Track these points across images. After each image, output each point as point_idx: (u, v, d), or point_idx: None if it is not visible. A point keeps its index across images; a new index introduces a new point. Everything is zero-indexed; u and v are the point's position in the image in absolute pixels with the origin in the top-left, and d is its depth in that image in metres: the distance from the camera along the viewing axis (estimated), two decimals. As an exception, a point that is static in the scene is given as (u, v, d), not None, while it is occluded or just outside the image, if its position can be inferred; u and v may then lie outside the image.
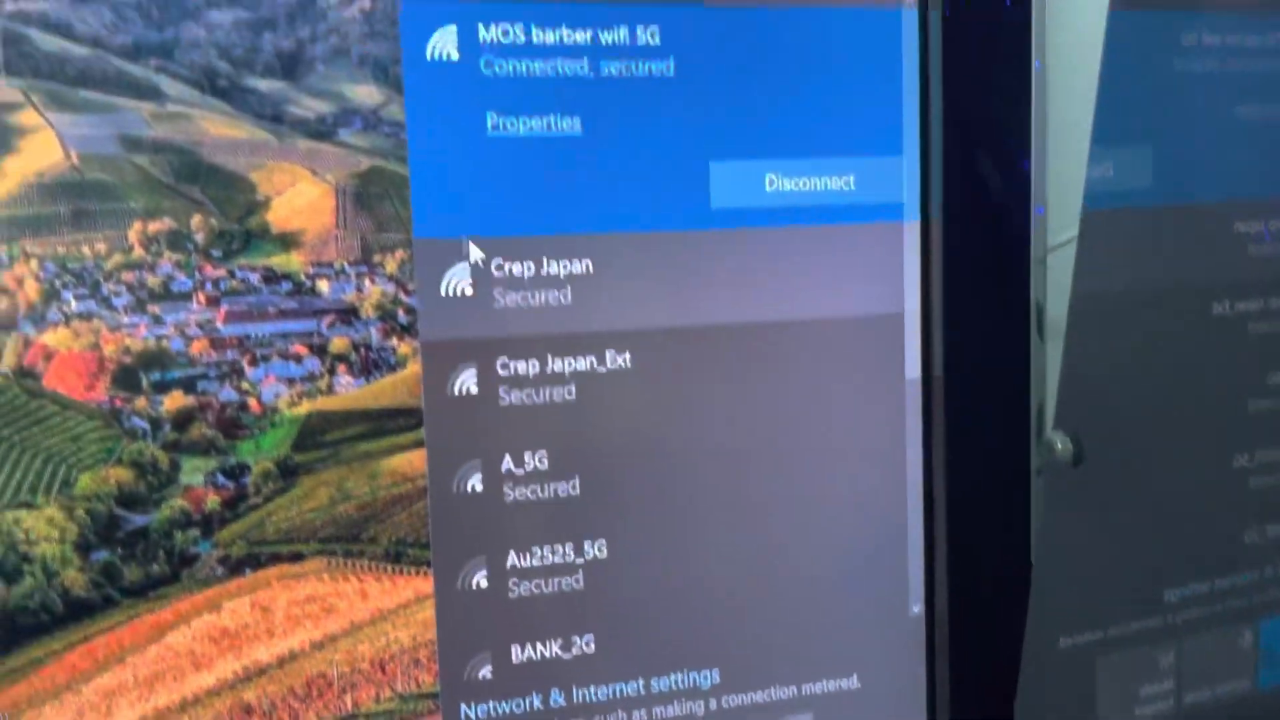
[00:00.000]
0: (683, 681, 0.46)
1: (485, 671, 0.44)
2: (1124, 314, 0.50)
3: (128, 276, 0.39)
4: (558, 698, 0.45)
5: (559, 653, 0.45)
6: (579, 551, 0.45)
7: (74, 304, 0.39)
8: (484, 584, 0.44)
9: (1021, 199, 0.49)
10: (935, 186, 0.47)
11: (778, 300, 0.46)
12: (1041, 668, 0.51)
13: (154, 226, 0.39)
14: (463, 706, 0.44)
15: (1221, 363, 0.54)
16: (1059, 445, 0.44)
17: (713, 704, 0.47)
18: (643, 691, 0.46)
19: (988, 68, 0.47)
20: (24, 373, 0.39)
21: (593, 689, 0.45)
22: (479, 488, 0.43)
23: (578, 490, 0.45)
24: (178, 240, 0.40)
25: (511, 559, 0.44)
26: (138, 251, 0.39)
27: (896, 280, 0.48)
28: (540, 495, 0.44)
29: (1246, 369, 0.55)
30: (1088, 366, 0.47)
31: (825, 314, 0.47)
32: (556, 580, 0.45)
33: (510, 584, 0.44)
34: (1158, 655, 0.55)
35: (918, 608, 0.50)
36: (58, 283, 0.39)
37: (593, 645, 0.45)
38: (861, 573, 0.48)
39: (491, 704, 0.44)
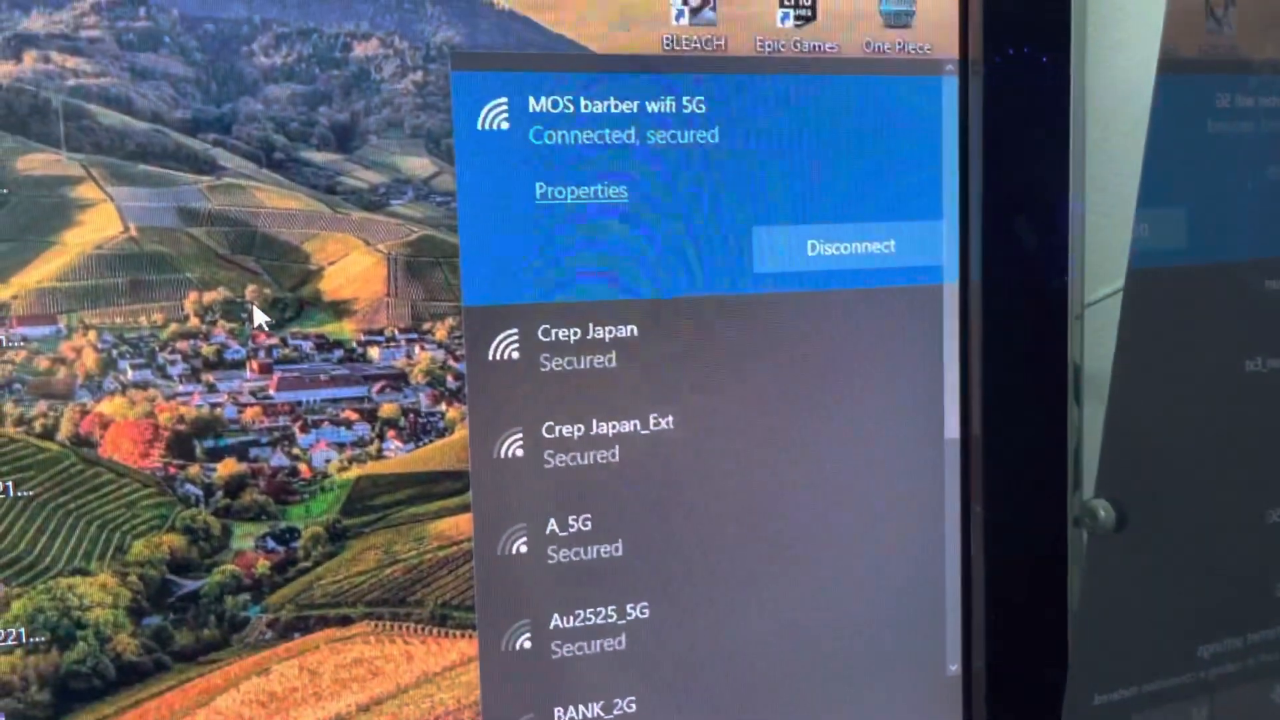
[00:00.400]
0: (723, 742, 0.47)
1: (529, 733, 0.44)
2: (1165, 373, 0.50)
3: (183, 345, 0.40)
4: (600, 759, 0.45)
5: (601, 714, 0.45)
6: (621, 613, 0.45)
7: (130, 373, 0.39)
8: (528, 645, 0.44)
9: (1059, 259, 0.49)
10: (975, 249, 0.48)
11: (819, 362, 0.46)
12: (1078, 725, 0.51)
13: (209, 296, 0.40)
14: (506, 768, 0.44)
15: (1255, 419, 0.54)
16: (1101, 513, 0.44)
17: (752, 764, 0.47)
18: (683, 752, 0.46)
19: (1026, 133, 0.48)
20: (80, 441, 0.39)
21: (634, 750, 0.46)
22: (524, 550, 0.44)
23: (620, 552, 0.45)
24: (232, 310, 0.40)
25: (555, 620, 0.44)
26: (193, 321, 0.40)
27: (936, 341, 0.48)
28: (583, 557, 0.44)
29: (1278, 425, 0.55)
30: (1129, 433, 0.47)
31: (865, 375, 0.47)
32: (599, 641, 0.45)
33: (553, 645, 0.44)
34: (1191, 710, 0.55)
35: (955, 667, 0.50)
36: (114, 352, 0.39)
37: (634, 706, 0.46)
38: (900, 632, 0.49)
39: (534, 765, 0.44)
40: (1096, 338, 0.53)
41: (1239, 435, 0.54)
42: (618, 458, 0.45)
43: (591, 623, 0.45)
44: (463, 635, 0.43)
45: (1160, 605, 0.52)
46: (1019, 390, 0.49)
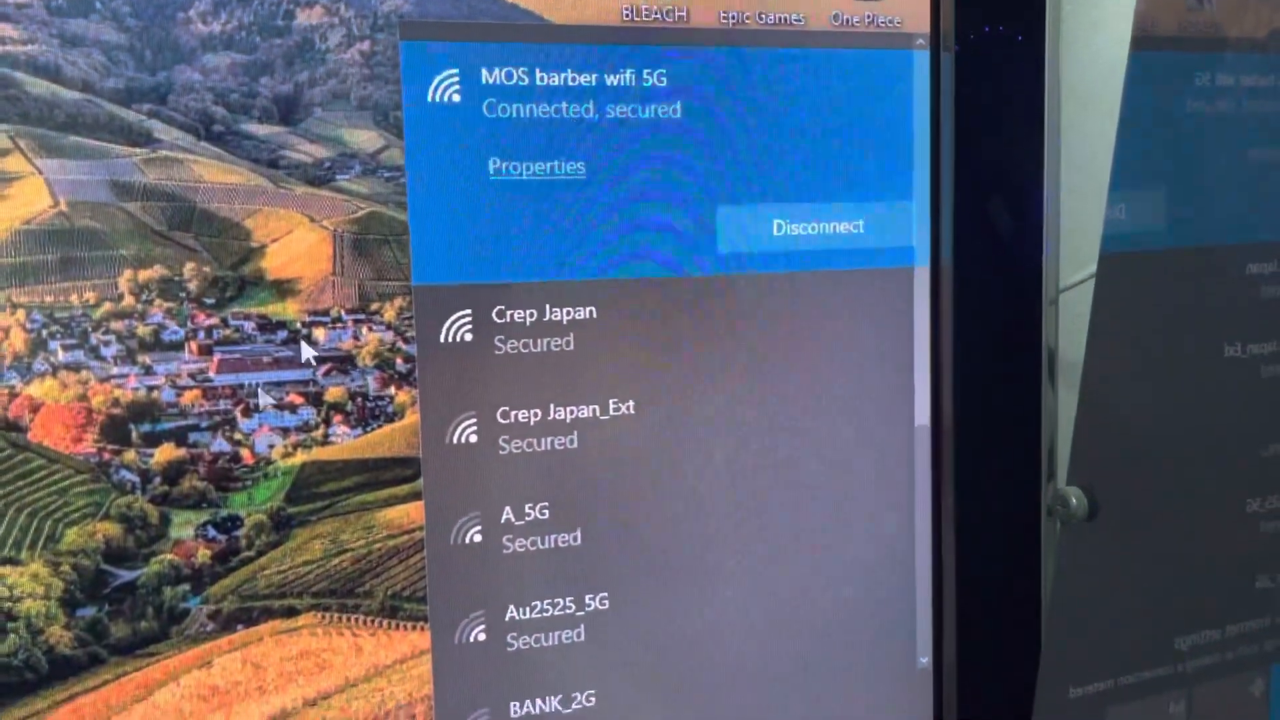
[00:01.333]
0: (685, 737, 0.45)
1: (483, 728, 0.43)
2: (1140, 359, 0.49)
3: (117, 325, 0.38)
4: (557, 754, 0.44)
5: (559, 708, 0.44)
6: (580, 604, 0.44)
7: (61, 354, 0.38)
8: (482, 638, 0.43)
9: (1033, 242, 0.48)
10: (946, 231, 0.46)
11: (784, 346, 0.45)
12: (1052, 719, 0.50)
13: (145, 274, 0.38)
14: (459, 764, 0.43)
15: (1234, 407, 0.53)
16: (1074, 501, 0.43)
17: (716, 759, 0.46)
18: (644, 747, 0.45)
19: (999, 110, 0.47)
20: (9, 425, 0.37)
21: (593, 745, 0.44)
22: (478, 539, 0.42)
23: (579, 541, 0.43)
24: (169, 288, 0.38)
25: (511, 612, 0.43)
26: (128, 300, 0.38)
27: (906, 325, 0.47)
28: (540, 546, 0.43)
29: (1258, 413, 0.54)
30: (1102, 420, 0.46)
31: (833, 360, 0.46)
32: (557, 633, 0.43)
33: (509, 637, 0.43)
34: (1168, 704, 0.54)
35: (925, 660, 0.48)
36: (45, 333, 0.37)
37: (594, 700, 0.44)
38: (869, 625, 0.47)
39: (489, 761, 0.43)
40: (1073, 324, 0.52)
41: (1216, 423, 0.53)
42: (576, 444, 0.43)
43: (549, 614, 0.43)
44: (414, 627, 0.42)
45: (1135, 596, 0.51)
46: (991, 377, 0.48)
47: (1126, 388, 0.48)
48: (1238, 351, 0.53)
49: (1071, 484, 0.44)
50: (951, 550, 0.47)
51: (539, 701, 0.44)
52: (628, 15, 0.42)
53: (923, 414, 0.47)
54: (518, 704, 0.43)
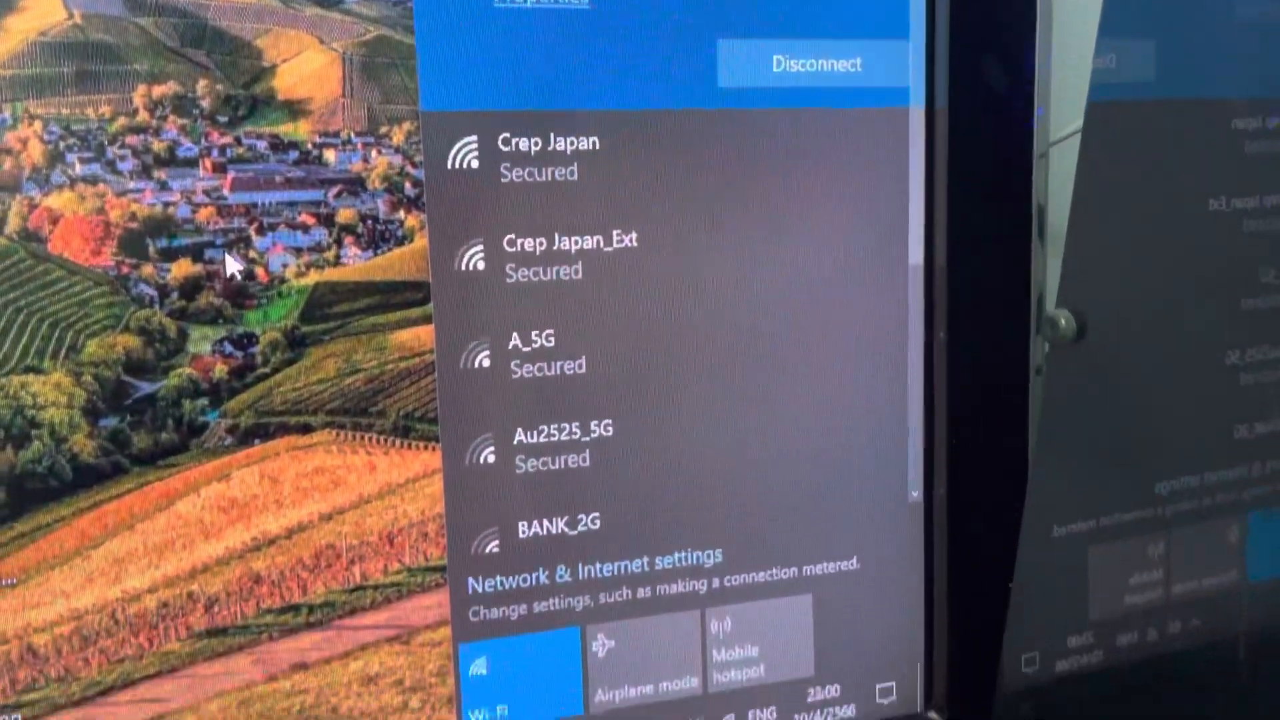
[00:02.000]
0: (686, 560, 0.47)
1: (493, 546, 0.44)
2: (1125, 203, 0.50)
3: (132, 140, 0.39)
4: (563, 574, 0.46)
5: (565, 529, 0.45)
6: (585, 430, 0.45)
7: (78, 167, 0.38)
8: (491, 459, 0.44)
9: (1026, 89, 0.49)
10: (941, 72, 0.47)
11: (784, 183, 0.46)
12: (1036, 556, 0.52)
13: (159, 90, 0.39)
14: (470, 580, 0.44)
15: (1216, 259, 0.55)
16: (1062, 322, 0.44)
17: (715, 583, 0.48)
18: (647, 569, 0.47)
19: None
20: (29, 235, 0.38)
21: (598, 566, 0.46)
22: (486, 364, 0.44)
23: (584, 369, 0.45)
24: (183, 105, 0.39)
25: (519, 436, 0.44)
26: (142, 115, 0.39)
27: (901, 165, 0.48)
28: (546, 373, 0.44)
29: (1240, 266, 0.55)
30: (1090, 250, 0.47)
31: (830, 197, 0.47)
32: (563, 458, 0.45)
33: (517, 460, 0.44)
34: (1148, 546, 0.56)
35: (916, 494, 0.50)
36: (62, 145, 0.38)
37: (599, 523, 0.46)
38: (862, 458, 0.49)
39: (498, 579, 0.45)
40: (1065, 177, 0.53)
41: (1200, 275, 0.54)
42: (580, 274, 0.44)
43: (555, 439, 0.45)
44: (426, 447, 0.43)
45: (1118, 435, 0.53)
46: (983, 220, 0.49)
47: (1114, 229, 0.49)
48: (1221, 205, 0.55)
49: (1060, 307, 0.45)
50: (943, 388, 0.49)
51: (545, 523, 0.45)
52: None
53: (916, 254, 0.49)
54: (525, 525, 0.45)
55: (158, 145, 0.39)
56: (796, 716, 0.50)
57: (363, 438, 0.43)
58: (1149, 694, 0.57)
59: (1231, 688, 0.59)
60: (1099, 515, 0.54)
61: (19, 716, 0.40)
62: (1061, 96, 0.53)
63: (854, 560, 0.50)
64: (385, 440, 0.43)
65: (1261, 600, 0.58)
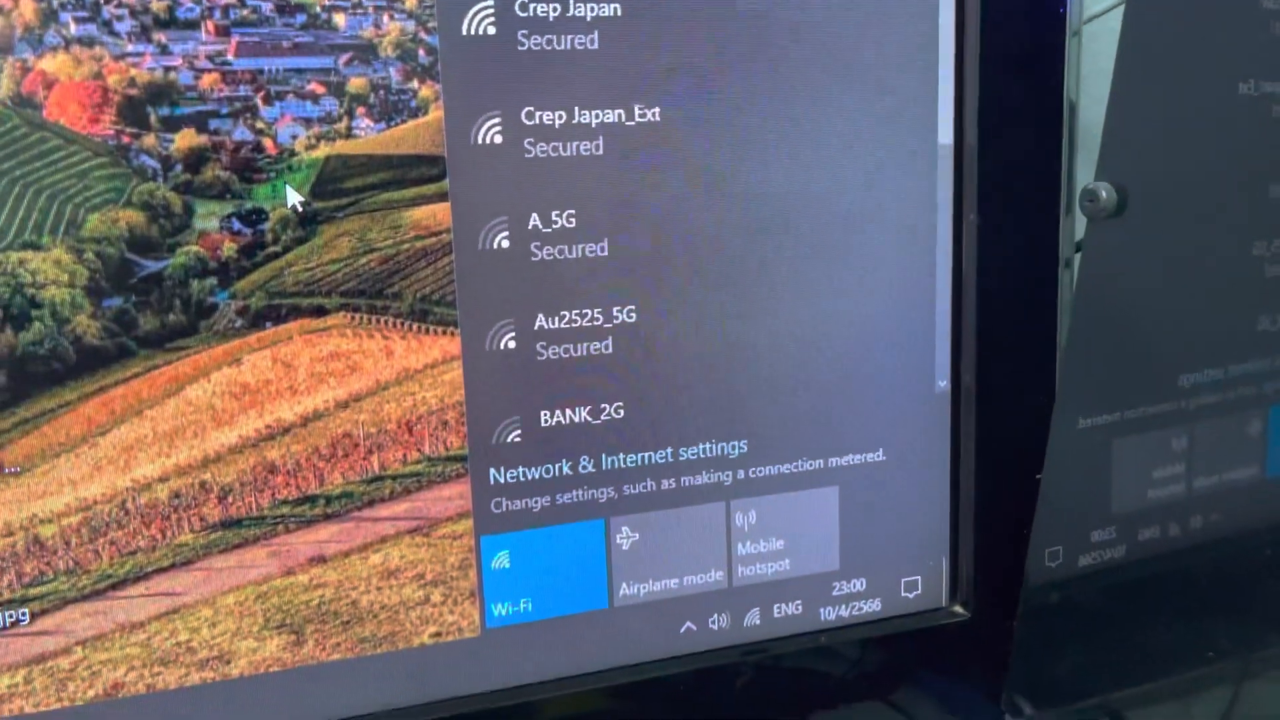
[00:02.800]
0: (711, 451, 0.46)
1: (514, 435, 0.43)
2: (1166, 79, 0.48)
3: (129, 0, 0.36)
4: (586, 464, 0.44)
5: (588, 419, 0.44)
6: (608, 316, 0.43)
7: (73, 27, 0.36)
8: (512, 345, 0.42)
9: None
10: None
11: (811, 55, 0.44)
12: (1063, 448, 0.51)
13: (156, -55, 0.36)
14: (491, 471, 0.43)
15: (1245, 146, 0.53)
16: (1103, 194, 0.43)
17: (740, 474, 0.46)
18: (671, 460, 0.45)
19: None
20: (23, 101, 0.36)
21: (621, 456, 0.45)
22: (505, 245, 0.42)
23: (605, 252, 0.43)
24: (182, -39, 0.37)
25: (540, 321, 0.43)
26: (140, -28, 0.36)
27: (931, 42, 0.46)
28: (567, 255, 0.43)
29: (1268, 153, 0.54)
30: (1132, 122, 0.46)
31: (860, 73, 0.45)
32: (585, 344, 0.43)
33: (539, 347, 0.43)
34: (1170, 440, 0.55)
35: (944, 383, 0.49)
36: (55, 2, 0.36)
37: (622, 412, 0.44)
38: (889, 349, 0.48)
39: (521, 469, 0.43)
40: (1096, 58, 0.51)
41: (1230, 162, 0.53)
42: (601, 150, 0.42)
43: (577, 325, 0.43)
44: (444, 332, 0.42)
45: (1147, 325, 0.52)
46: (1014, 98, 0.47)
47: (1154, 104, 0.48)
48: (1250, 89, 0.53)
49: (1101, 179, 0.44)
50: (973, 272, 0.48)
51: (569, 411, 0.44)
52: None
53: (945, 134, 0.47)
54: (547, 413, 0.43)
55: (156, 5, 0.37)
56: (822, 610, 0.49)
57: (379, 321, 0.41)
58: (1170, 588, 0.56)
59: (1251, 582, 0.59)
60: (1124, 408, 0.53)
61: (26, 611, 0.38)
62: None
63: (880, 452, 0.48)
64: (402, 324, 0.41)
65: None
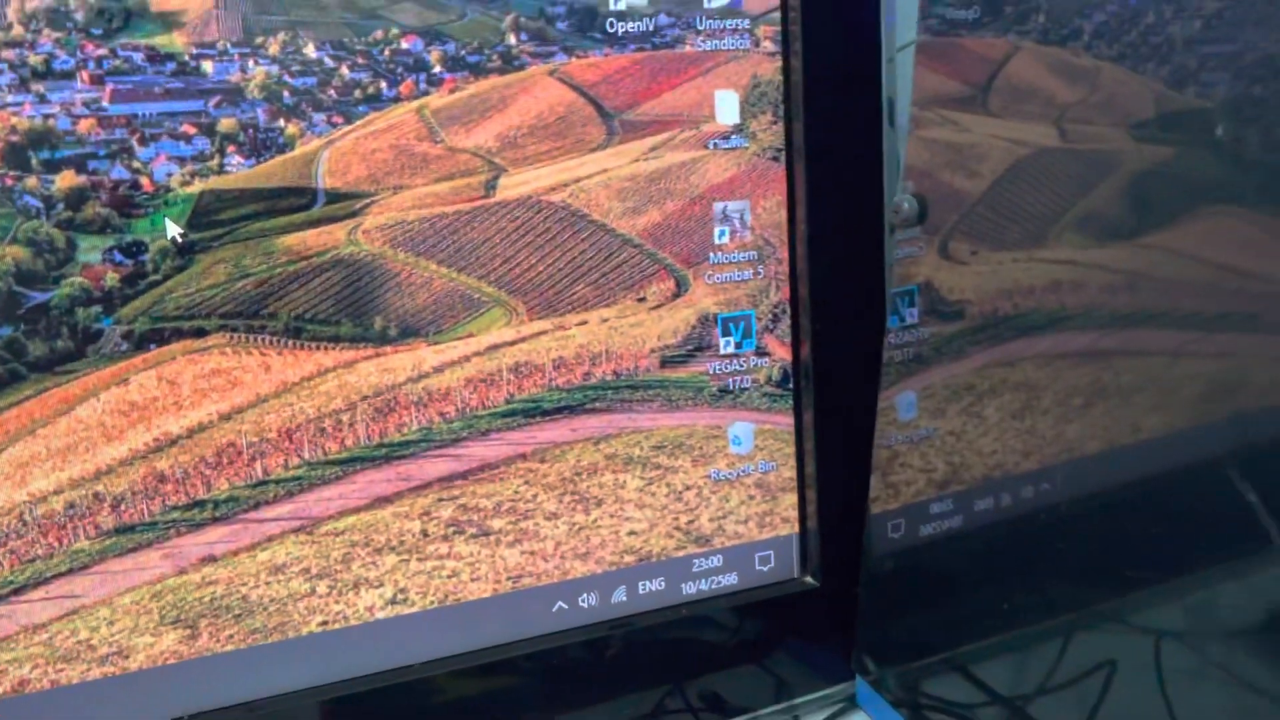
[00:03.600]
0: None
1: (388, 438, 0.47)
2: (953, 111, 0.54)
3: (8, 54, 0.40)
4: (458, 462, 0.48)
5: (457, 421, 0.48)
6: (471, 326, 0.48)
7: (-45, 81, 0.39)
8: (382, 357, 0.46)
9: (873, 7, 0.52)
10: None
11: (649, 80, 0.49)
12: (894, 429, 0.57)
13: (31, 3, 0.40)
14: (369, 472, 0.47)
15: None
16: (906, 205, 0.48)
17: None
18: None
19: None
20: (-91, 150, 0.39)
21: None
22: (372, 266, 0.46)
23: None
24: (57, 18, 0.40)
25: (407, 333, 0.47)
26: (17, 30, 0.40)
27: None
28: (432, 273, 0.47)
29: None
30: (925, 146, 0.51)
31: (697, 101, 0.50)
32: (451, 353, 0.48)
33: (407, 357, 0.47)
34: (1000, 419, 0.61)
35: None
36: (-64, 59, 0.39)
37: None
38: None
39: (396, 469, 0.47)
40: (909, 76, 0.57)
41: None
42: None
43: (443, 336, 0.47)
44: (318, 347, 0.46)
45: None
46: (840, 112, 0.53)
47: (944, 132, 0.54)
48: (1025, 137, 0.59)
49: (903, 194, 0.49)
50: (804, 255, 0.53)
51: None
52: None
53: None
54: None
55: (34, 59, 0.40)
56: (684, 585, 0.54)
57: (256, 339, 0.45)
58: (1005, 552, 0.63)
59: (1079, 543, 0.65)
60: (951, 390, 0.59)
61: (-67, 619, 0.42)
62: (905, 6, 0.57)
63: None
64: (278, 341, 0.45)
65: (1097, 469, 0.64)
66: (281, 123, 0.44)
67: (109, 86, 0.41)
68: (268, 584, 0.46)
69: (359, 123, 0.45)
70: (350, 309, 0.46)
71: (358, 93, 0.45)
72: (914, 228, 0.50)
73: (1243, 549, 0.68)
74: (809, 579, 0.57)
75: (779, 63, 0.52)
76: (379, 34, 0.45)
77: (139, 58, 0.41)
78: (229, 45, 0.43)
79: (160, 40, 0.42)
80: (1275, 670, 0.62)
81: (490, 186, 0.47)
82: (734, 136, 0.51)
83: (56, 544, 0.43)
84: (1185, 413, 0.68)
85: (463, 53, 0.46)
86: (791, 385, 0.55)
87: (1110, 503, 0.66)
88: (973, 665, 0.62)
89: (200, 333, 0.44)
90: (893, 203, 0.49)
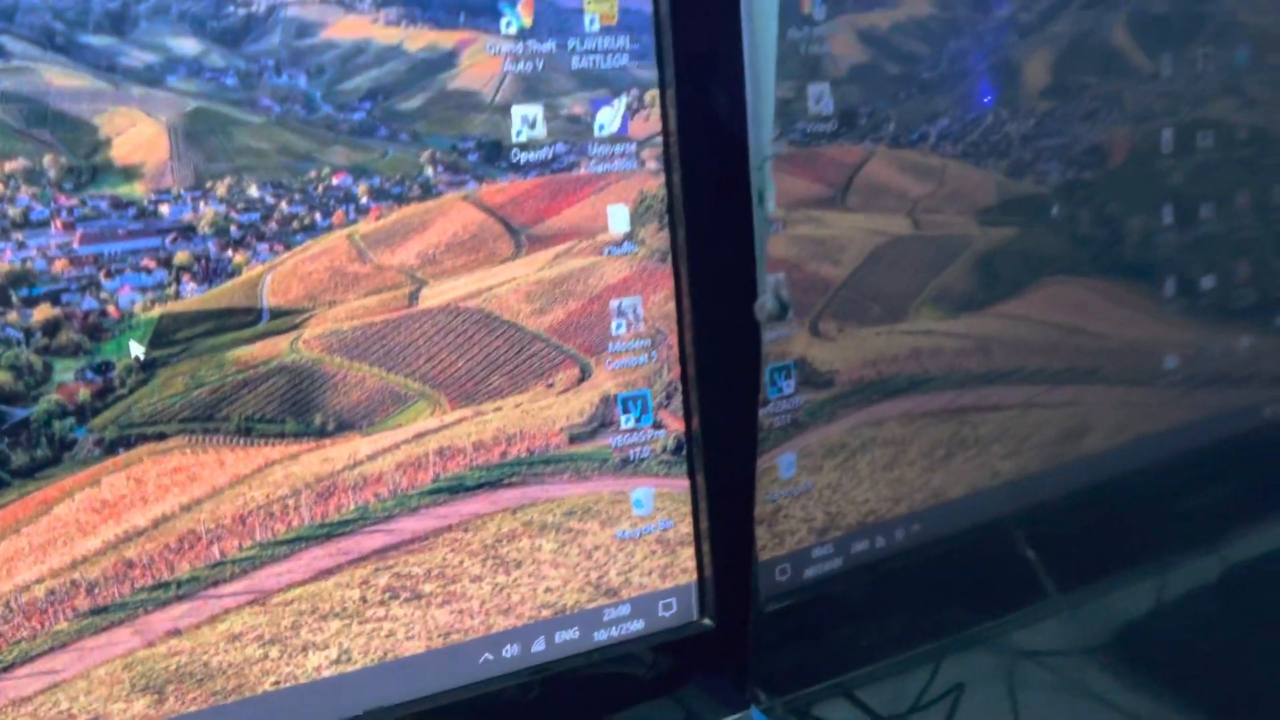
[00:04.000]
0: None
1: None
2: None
3: (-9, 209, 0.46)
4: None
5: (390, 500, 0.55)
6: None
7: (-55, 234, 0.46)
8: (323, 448, 0.54)
9: (740, 120, 0.61)
10: (672, 117, 0.59)
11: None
12: (771, 485, 0.65)
13: (10, 166, 0.47)
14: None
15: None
16: (769, 304, 0.57)
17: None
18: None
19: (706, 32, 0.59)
20: (-94, 295, 0.45)
21: (420, 527, 0.56)
22: (312, 370, 0.53)
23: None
24: (33, 176, 0.47)
25: (344, 427, 0.54)
26: (-2, 187, 0.47)
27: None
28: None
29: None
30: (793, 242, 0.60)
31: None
32: (383, 442, 0.55)
33: (345, 447, 0.54)
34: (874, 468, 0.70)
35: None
36: (-71, 217, 0.45)
37: (418, 492, 0.56)
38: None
39: (337, 545, 0.54)
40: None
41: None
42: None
43: (376, 427, 0.55)
44: (266, 443, 0.53)
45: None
46: (716, 216, 0.61)
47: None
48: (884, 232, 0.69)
49: (764, 295, 0.58)
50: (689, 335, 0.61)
51: (374, 496, 0.55)
52: None
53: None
54: (357, 499, 0.55)
55: (13, 211, 0.47)
56: (596, 633, 0.62)
57: (212, 439, 0.52)
58: (882, 588, 0.71)
59: (948, 576, 0.74)
60: (826, 449, 0.68)
61: (-70, 698, 0.48)
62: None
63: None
64: (231, 440, 0.52)
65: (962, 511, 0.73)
66: (229, 253, 0.51)
67: (79, 231, 0.48)
68: (226, 651, 0.53)
69: (297, 249, 0.52)
70: (293, 409, 0.53)
71: (295, 224, 0.52)
72: (777, 322, 0.59)
73: (1088, 576, 0.78)
74: (707, 621, 0.65)
75: (662, 179, 0.60)
76: (313, 173, 0.52)
77: (105, 205, 0.48)
78: (183, 190, 0.50)
79: (123, 190, 0.49)
80: (1118, 683, 0.72)
81: (414, 297, 0.55)
82: (626, 243, 0.60)
83: (39, 626, 0.49)
84: (1038, 457, 0.78)
85: (387, 185, 0.53)
86: (685, 453, 0.63)
87: (975, 539, 0.75)
88: (856, 689, 0.71)
89: (162, 436, 0.51)
90: (756, 304, 0.57)
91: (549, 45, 0.56)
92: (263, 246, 0.51)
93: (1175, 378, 0.83)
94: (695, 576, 0.64)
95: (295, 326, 0.53)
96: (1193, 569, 0.80)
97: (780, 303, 0.57)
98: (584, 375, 0.59)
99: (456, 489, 0.57)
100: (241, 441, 0.52)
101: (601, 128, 0.58)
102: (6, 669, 0.49)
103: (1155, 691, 0.71)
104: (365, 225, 0.53)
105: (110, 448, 0.50)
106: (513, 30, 0.55)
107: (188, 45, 0.49)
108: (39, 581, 0.49)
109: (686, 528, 0.64)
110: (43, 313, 0.48)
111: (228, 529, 0.52)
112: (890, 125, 0.68)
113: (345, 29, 0.52)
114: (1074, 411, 0.79)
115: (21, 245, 0.47)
